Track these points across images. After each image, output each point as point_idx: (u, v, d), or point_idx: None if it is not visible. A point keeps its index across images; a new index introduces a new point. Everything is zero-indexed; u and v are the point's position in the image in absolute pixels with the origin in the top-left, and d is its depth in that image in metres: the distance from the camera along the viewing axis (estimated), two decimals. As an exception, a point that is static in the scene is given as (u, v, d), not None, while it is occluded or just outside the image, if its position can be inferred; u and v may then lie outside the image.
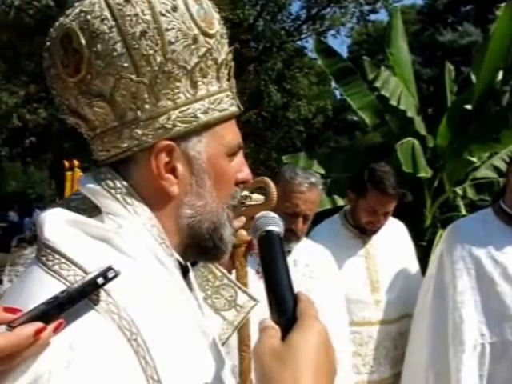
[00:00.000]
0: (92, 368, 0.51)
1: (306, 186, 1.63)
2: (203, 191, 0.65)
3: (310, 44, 13.23)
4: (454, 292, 1.59)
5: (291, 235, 1.61)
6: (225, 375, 0.66)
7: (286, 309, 0.57)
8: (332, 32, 12.58)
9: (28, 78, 10.54)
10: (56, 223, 0.60)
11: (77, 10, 0.62)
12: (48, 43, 0.64)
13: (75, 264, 0.57)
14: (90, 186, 0.65)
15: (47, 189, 17.84)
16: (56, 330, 0.51)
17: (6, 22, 9.63)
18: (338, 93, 13.60)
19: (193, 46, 0.63)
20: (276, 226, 0.66)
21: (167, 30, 0.61)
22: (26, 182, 18.16)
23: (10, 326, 0.50)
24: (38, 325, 0.50)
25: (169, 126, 0.63)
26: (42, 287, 0.56)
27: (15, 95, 10.54)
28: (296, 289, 0.59)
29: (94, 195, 0.64)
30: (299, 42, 12.98)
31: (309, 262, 1.68)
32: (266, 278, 0.61)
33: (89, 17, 0.61)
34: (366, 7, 12.18)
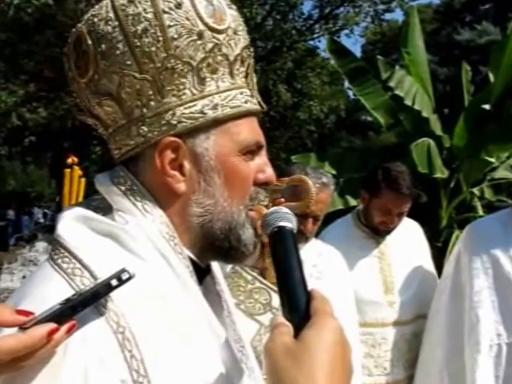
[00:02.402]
0: (70, 356, 0.52)
1: (317, 186, 1.57)
2: (212, 190, 0.64)
3: (322, 44, 13.19)
4: (471, 292, 1.56)
5: (299, 236, 1.57)
6: (234, 377, 0.64)
7: (299, 306, 0.55)
8: (345, 31, 12.51)
9: (27, 76, 10.65)
10: (66, 220, 0.62)
11: (88, 15, 0.65)
12: (65, 48, 0.67)
13: (75, 258, 0.58)
14: (105, 184, 0.66)
15: (47, 188, 18.07)
16: (69, 332, 0.51)
17: (5, 20, 9.71)
18: (351, 93, 13.52)
19: (198, 42, 0.63)
20: (288, 221, 0.64)
21: (169, 26, 0.62)
22: (26, 180, 18.39)
23: (23, 328, 0.50)
24: (51, 325, 0.50)
25: (174, 123, 0.63)
26: (44, 279, 0.58)
27: (14, 94, 10.60)
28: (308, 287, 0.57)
29: (107, 193, 0.65)
30: (311, 42, 12.94)
31: (317, 263, 1.65)
32: (278, 275, 0.59)
33: (95, 19, 0.64)
34: (381, 6, 12.07)
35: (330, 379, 0.50)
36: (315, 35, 12.62)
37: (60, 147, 12.80)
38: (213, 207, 0.65)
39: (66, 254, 0.58)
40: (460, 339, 1.55)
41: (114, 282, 0.53)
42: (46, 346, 0.50)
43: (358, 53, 14.94)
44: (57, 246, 0.60)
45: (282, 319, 0.54)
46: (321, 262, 1.68)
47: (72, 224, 0.61)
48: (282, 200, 0.85)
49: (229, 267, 0.89)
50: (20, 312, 0.51)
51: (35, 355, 0.49)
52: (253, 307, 0.85)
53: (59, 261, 0.58)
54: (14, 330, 0.51)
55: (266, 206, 0.74)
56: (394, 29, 14.76)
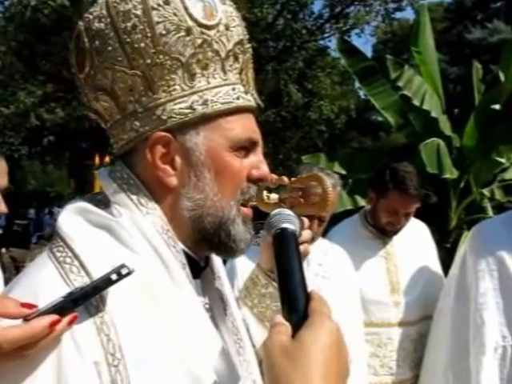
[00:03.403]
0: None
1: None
2: (202, 184, 0.66)
3: (333, 43, 13.11)
4: (476, 293, 1.55)
5: None
6: (222, 367, 0.64)
7: (298, 306, 0.56)
8: (356, 31, 12.43)
9: (45, 77, 10.81)
10: (67, 212, 0.65)
11: (87, 13, 0.67)
12: (69, 45, 0.70)
13: (68, 247, 0.61)
14: (104, 178, 0.68)
15: (66, 187, 18.32)
16: (70, 323, 0.54)
17: (23, 21, 9.93)
18: (361, 93, 13.43)
19: (187, 38, 0.64)
20: (291, 223, 0.65)
21: (158, 23, 0.63)
22: (45, 180, 18.69)
23: (26, 320, 0.53)
24: (53, 317, 0.52)
25: (164, 118, 0.64)
26: (39, 267, 0.61)
27: (33, 94, 10.77)
28: (308, 288, 0.59)
29: (106, 187, 0.68)
30: (322, 41, 12.88)
31: (323, 262, 1.66)
32: (279, 275, 0.61)
33: (91, 17, 0.66)
34: (392, 5, 11.97)
35: (325, 379, 0.50)
36: (326, 35, 12.57)
37: (78, 148, 12.98)
38: (203, 201, 0.66)
39: (62, 243, 0.61)
40: (465, 341, 1.55)
41: (114, 277, 0.56)
42: (48, 337, 0.52)
43: (368, 52, 14.86)
44: (55, 236, 0.63)
45: (280, 318, 0.55)
46: (327, 261, 1.70)
47: (70, 216, 0.64)
48: (302, 200, 0.84)
49: (250, 270, 0.90)
50: (24, 305, 0.54)
51: (38, 345, 0.52)
52: (264, 313, 0.86)
53: (55, 249, 0.61)
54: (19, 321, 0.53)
55: (283, 203, 0.74)
56: (405, 28, 14.61)
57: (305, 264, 1.78)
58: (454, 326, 1.63)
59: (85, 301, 0.55)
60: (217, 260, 0.76)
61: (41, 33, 9.74)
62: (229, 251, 0.69)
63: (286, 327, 0.54)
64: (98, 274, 0.57)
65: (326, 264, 1.67)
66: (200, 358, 0.62)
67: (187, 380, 0.60)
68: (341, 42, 4.97)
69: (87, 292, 0.55)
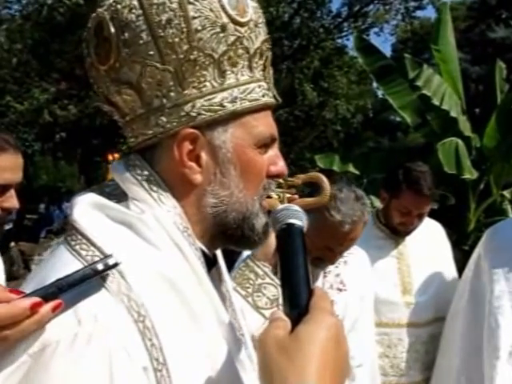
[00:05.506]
0: (95, 343, 0.53)
1: (347, 227, 1.35)
2: (228, 181, 0.65)
3: (350, 42, 13.02)
4: (491, 296, 1.51)
5: (320, 262, 1.41)
6: (239, 362, 0.65)
7: (300, 302, 0.55)
8: (375, 30, 12.29)
9: (59, 75, 10.96)
10: (82, 206, 0.63)
11: (110, 1, 0.64)
12: (85, 33, 0.67)
13: (94, 245, 0.59)
14: (120, 172, 0.66)
15: (76, 183, 18.59)
16: (55, 310, 0.53)
17: (39, 20, 10.06)
18: (379, 92, 13.29)
19: (221, 35, 0.63)
20: (299, 219, 0.63)
21: (194, 18, 0.61)
22: (57, 175, 18.96)
23: None
24: (35, 299, 0.52)
25: (193, 114, 0.63)
26: (64, 264, 0.58)
27: (46, 92, 10.94)
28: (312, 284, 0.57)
29: (122, 181, 0.66)
30: (339, 40, 12.78)
31: (340, 272, 1.56)
32: (282, 271, 0.59)
33: (119, 6, 0.63)
34: (412, 3, 11.79)
35: (322, 375, 0.49)
36: (344, 33, 12.46)
37: (89, 144, 13.19)
38: (228, 198, 0.65)
39: (84, 240, 0.59)
40: (478, 345, 1.51)
41: (100, 267, 0.55)
42: (30, 319, 0.52)
43: (388, 51, 14.68)
44: (73, 232, 0.61)
45: (280, 314, 0.54)
46: (345, 271, 1.58)
47: (88, 210, 0.62)
48: (296, 196, 0.84)
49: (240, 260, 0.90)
50: (12, 291, 0.54)
51: (19, 326, 0.52)
52: (260, 301, 0.86)
53: (77, 247, 0.59)
54: None
55: (281, 201, 0.75)
56: (427, 27, 14.39)
57: (321, 274, 1.67)
58: (468, 329, 1.60)
59: (70, 288, 0.54)
60: (220, 256, 0.76)
61: (56, 31, 9.91)
62: (251, 244, 0.69)
63: (285, 322, 0.53)
64: (130, 273, 0.57)
65: (343, 274, 1.56)
66: (221, 351, 0.62)
67: (213, 374, 0.60)
68: (358, 40, 4.93)
69: (74, 280, 0.55)
